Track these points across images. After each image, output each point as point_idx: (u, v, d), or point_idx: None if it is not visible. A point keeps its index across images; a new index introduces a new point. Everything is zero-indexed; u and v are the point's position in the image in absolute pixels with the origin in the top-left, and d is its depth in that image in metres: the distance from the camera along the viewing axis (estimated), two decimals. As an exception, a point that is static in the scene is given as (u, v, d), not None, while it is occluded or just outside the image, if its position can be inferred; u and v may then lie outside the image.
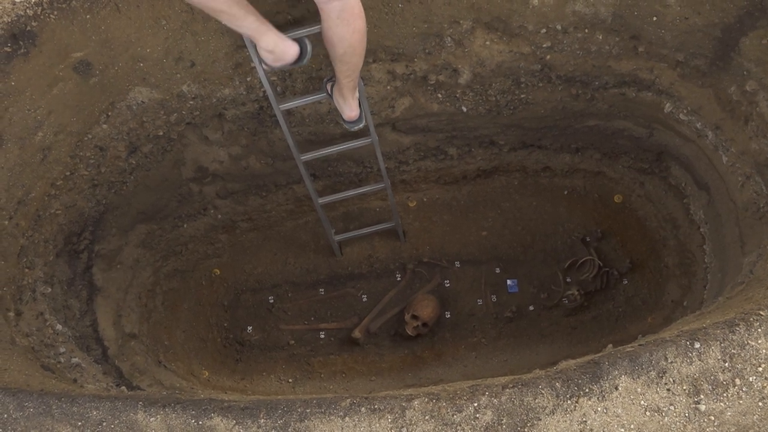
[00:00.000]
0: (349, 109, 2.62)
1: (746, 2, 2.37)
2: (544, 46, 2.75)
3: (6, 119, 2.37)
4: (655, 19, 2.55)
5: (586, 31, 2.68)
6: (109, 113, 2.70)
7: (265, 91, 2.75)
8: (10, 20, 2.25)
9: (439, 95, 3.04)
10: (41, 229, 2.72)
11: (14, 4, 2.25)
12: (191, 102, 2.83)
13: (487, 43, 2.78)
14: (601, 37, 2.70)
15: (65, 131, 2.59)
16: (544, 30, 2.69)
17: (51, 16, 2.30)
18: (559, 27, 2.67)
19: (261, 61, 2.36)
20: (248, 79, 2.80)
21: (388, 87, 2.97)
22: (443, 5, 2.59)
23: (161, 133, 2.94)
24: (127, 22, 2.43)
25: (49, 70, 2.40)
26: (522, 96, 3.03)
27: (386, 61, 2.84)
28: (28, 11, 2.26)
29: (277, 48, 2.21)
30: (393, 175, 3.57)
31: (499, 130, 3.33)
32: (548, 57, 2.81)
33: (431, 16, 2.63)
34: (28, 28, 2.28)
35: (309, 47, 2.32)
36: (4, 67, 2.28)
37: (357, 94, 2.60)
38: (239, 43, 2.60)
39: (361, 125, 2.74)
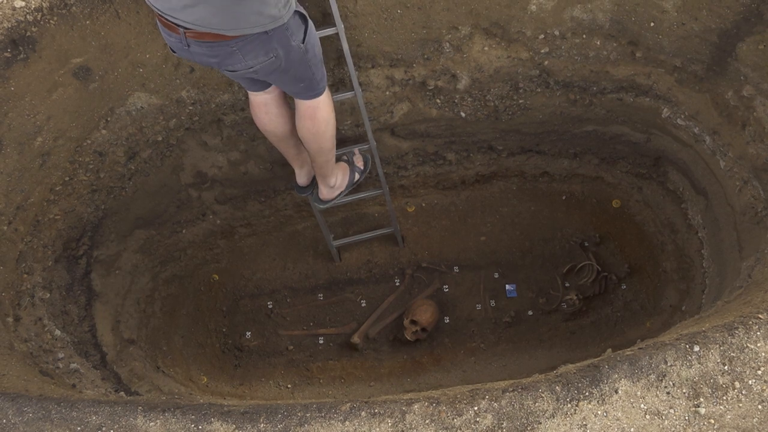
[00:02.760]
0: (323, 190, 2.94)
1: (743, 8, 2.39)
2: (543, 51, 2.77)
3: (5, 124, 2.37)
4: (652, 24, 2.56)
5: (584, 36, 2.70)
6: (109, 118, 2.70)
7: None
8: (10, 26, 2.25)
9: (438, 100, 3.05)
10: (40, 235, 2.71)
11: (14, 10, 2.26)
12: (190, 107, 2.84)
13: (486, 48, 2.79)
14: (599, 43, 2.71)
15: (64, 136, 2.59)
16: (542, 35, 2.70)
17: (51, 21, 2.31)
18: (557, 32, 2.68)
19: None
20: (247, 84, 2.81)
21: (387, 92, 2.98)
22: (442, 11, 2.60)
23: (160, 139, 2.94)
24: (127, 28, 2.44)
25: (48, 75, 2.40)
26: (520, 101, 3.04)
27: (385, 67, 2.85)
28: (28, 17, 2.27)
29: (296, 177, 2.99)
30: (392, 181, 3.58)
31: (498, 136, 3.34)
32: (546, 62, 2.82)
33: (430, 22, 2.64)
34: (28, 33, 2.28)
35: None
36: (4, 72, 2.29)
37: (332, 181, 2.89)
38: (238, 48, 2.61)
39: (322, 206, 3.05)
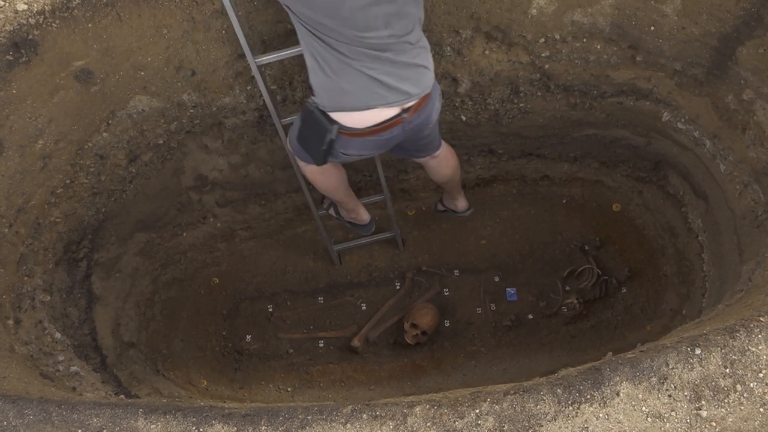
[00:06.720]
0: (462, 202, 3.30)
1: (743, 12, 2.39)
2: (543, 55, 2.77)
3: (7, 127, 2.37)
4: (653, 28, 2.57)
5: (585, 40, 2.70)
6: (110, 121, 2.71)
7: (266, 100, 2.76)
8: (12, 29, 2.26)
9: (439, 104, 3.05)
10: (41, 237, 2.71)
11: (16, 13, 2.26)
12: (191, 110, 2.84)
13: (486, 52, 2.80)
14: (599, 47, 2.72)
15: (66, 139, 2.60)
16: (542, 39, 2.71)
17: (53, 24, 2.31)
18: (557, 36, 2.69)
19: (337, 212, 3.21)
20: (248, 87, 2.81)
21: (388, 96, 2.98)
22: (443, 15, 2.61)
23: (161, 142, 2.94)
24: (129, 31, 2.45)
25: (50, 78, 2.41)
26: (521, 105, 3.04)
27: (386, 70, 2.85)
28: (30, 20, 2.27)
29: (359, 216, 3.19)
30: (392, 184, 3.58)
31: (498, 139, 3.34)
32: (547, 66, 2.83)
33: (431, 26, 2.64)
34: (30, 36, 2.29)
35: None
36: (6, 75, 2.29)
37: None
38: (239, 52, 2.62)
39: (471, 210, 3.39)
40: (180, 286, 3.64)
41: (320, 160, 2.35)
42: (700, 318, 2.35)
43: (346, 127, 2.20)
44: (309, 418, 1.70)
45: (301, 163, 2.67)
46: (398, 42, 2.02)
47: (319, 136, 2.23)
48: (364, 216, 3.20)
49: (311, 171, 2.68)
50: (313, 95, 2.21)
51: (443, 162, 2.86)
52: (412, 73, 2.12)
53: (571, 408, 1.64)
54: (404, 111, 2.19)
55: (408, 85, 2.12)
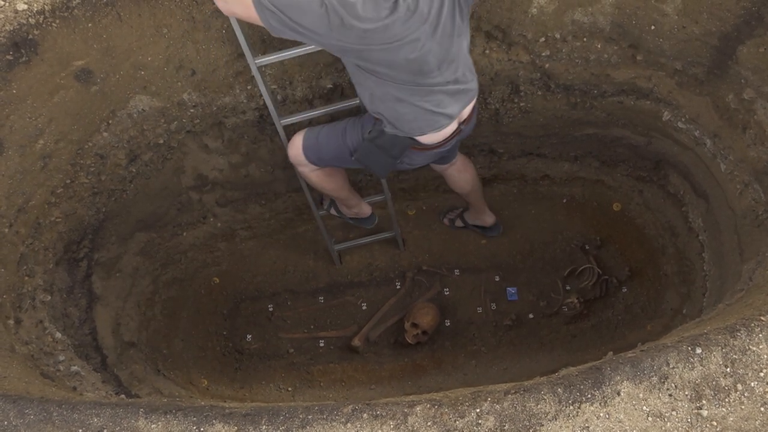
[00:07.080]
0: (489, 216, 3.59)
1: (743, 11, 2.39)
2: (543, 54, 2.77)
3: (7, 127, 2.37)
4: (653, 28, 2.57)
5: (585, 39, 2.70)
6: (110, 121, 2.70)
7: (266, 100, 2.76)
8: (12, 29, 2.25)
9: (439, 103, 3.05)
10: (41, 237, 2.71)
11: (16, 13, 2.26)
12: (192, 110, 2.84)
13: (487, 51, 2.80)
14: (599, 46, 2.71)
15: (66, 139, 2.60)
16: (543, 39, 2.70)
17: (53, 24, 2.31)
18: (558, 36, 2.69)
19: (338, 210, 3.34)
20: (249, 87, 2.81)
21: (388, 95, 2.98)
22: (443, 14, 2.60)
23: (161, 141, 2.94)
24: (129, 31, 2.44)
25: (50, 78, 2.41)
26: (521, 104, 3.04)
27: (386, 70, 2.85)
28: (30, 20, 2.27)
29: (361, 210, 3.30)
30: (392, 184, 3.58)
31: (499, 139, 3.34)
32: (547, 65, 2.82)
33: (431, 25, 2.64)
34: (30, 36, 2.29)
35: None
36: (6, 74, 2.29)
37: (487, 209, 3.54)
38: (240, 51, 2.61)
39: (499, 230, 3.69)
40: (180, 285, 3.64)
41: (386, 173, 2.60)
42: (700, 317, 2.35)
43: (420, 143, 2.42)
44: (309, 417, 1.69)
45: (307, 169, 2.80)
46: (449, 76, 2.17)
47: (396, 154, 2.45)
48: (366, 209, 3.26)
49: (317, 176, 2.84)
50: (376, 118, 2.39)
51: (463, 167, 3.11)
52: (461, 96, 2.29)
53: (571, 407, 1.64)
54: (461, 123, 2.43)
55: (457, 105, 2.32)
